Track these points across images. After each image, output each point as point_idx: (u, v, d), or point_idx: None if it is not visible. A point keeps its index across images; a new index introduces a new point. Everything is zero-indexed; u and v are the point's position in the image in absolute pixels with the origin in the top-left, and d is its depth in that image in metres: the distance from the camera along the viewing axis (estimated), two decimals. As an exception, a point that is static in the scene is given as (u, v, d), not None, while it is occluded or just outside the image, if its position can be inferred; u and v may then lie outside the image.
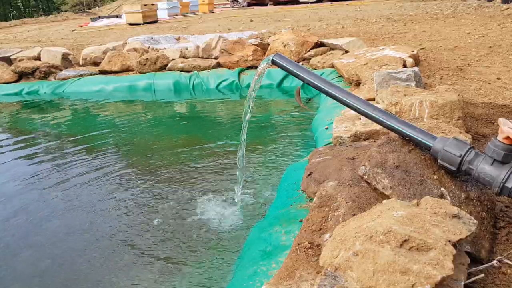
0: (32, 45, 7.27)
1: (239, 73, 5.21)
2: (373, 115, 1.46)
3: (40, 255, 2.12)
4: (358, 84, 3.54)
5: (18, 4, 23.75)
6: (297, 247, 1.41)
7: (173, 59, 5.52)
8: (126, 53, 5.76)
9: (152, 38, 6.45)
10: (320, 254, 1.12)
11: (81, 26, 11.24)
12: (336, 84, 1.67)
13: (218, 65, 5.44)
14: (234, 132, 3.69)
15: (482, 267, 1.21)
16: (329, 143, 2.45)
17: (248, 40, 5.66)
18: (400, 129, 1.41)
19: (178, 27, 9.33)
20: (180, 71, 5.38)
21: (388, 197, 1.32)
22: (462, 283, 1.02)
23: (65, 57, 5.94)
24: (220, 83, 5.18)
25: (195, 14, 13.49)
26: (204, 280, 1.84)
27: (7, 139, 4.08)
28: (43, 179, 2.98)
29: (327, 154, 2.04)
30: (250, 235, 1.98)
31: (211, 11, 14.20)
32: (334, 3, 14.68)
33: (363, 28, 7.15)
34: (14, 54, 6.07)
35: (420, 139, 1.37)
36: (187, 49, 5.68)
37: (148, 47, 5.95)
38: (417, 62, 3.93)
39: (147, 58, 5.47)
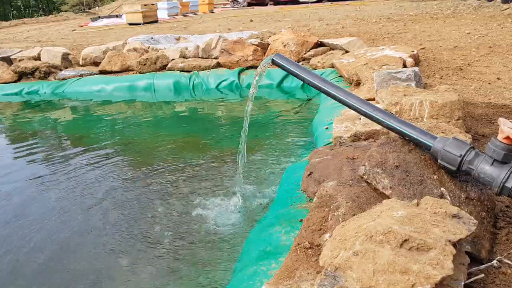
0: (32, 45, 7.27)
1: (239, 73, 5.21)
2: (373, 115, 1.46)
3: (39, 254, 2.12)
4: (358, 84, 3.54)
5: (18, 4, 23.74)
6: (297, 247, 1.41)
7: (173, 59, 5.52)
8: (126, 53, 5.76)
9: (152, 38, 6.45)
10: (320, 254, 1.12)
11: (81, 26, 11.25)
12: (336, 84, 1.67)
13: (218, 65, 5.44)
14: (234, 131, 3.69)
15: (482, 267, 1.21)
16: (329, 143, 2.45)
17: (248, 40, 5.66)
18: (400, 129, 1.41)
19: (178, 27, 9.33)
20: (180, 71, 5.38)
21: (388, 197, 1.32)
22: (462, 283, 1.02)
23: (65, 57, 5.93)
24: (220, 83, 5.18)
25: (195, 14, 13.50)
26: (204, 280, 1.84)
27: (7, 139, 4.08)
28: (42, 179, 2.98)
29: (327, 154, 2.04)
30: (250, 235, 1.97)
31: (211, 11, 14.22)
32: (334, 3, 14.69)
33: (363, 28, 7.15)
34: (14, 54, 6.07)
35: (420, 139, 1.37)
36: (187, 49, 5.68)
37: (148, 47, 5.95)
38: (417, 62, 3.93)
39: (147, 58, 5.47)
